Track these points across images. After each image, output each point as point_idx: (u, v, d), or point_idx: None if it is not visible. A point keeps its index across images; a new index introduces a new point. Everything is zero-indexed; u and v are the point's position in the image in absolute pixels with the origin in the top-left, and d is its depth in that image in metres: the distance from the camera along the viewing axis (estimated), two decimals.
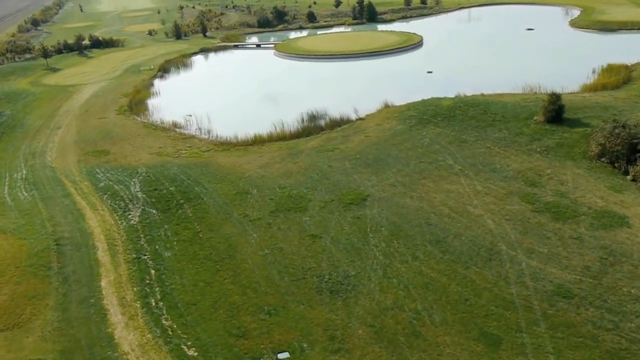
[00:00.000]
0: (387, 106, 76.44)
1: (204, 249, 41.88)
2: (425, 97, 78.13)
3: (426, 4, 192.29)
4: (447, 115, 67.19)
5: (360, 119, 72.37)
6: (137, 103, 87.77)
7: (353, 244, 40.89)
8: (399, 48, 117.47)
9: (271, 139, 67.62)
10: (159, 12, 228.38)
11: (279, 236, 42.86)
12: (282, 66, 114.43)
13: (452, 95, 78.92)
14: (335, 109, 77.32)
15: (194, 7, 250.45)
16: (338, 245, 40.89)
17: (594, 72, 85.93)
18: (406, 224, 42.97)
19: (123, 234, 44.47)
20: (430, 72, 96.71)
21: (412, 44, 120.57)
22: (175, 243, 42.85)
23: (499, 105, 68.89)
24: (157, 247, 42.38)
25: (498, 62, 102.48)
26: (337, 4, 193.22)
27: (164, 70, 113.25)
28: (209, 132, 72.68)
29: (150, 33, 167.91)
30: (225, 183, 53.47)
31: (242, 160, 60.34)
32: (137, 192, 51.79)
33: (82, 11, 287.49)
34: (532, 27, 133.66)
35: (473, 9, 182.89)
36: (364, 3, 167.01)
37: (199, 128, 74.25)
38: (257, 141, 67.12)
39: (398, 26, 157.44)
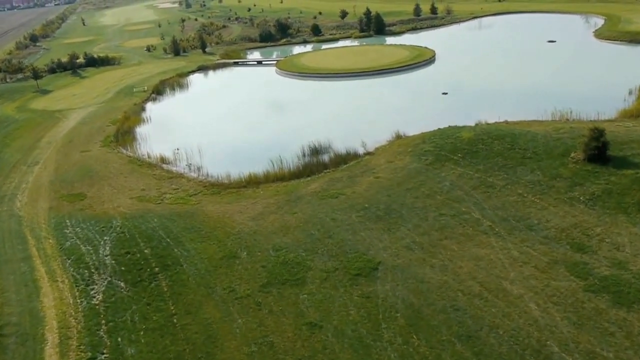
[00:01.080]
0: (399, 137, 68.16)
1: (177, 342, 33.71)
2: (442, 125, 69.85)
3: (437, 13, 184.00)
4: (469, 151, 58.76)
5: (369, 153, 64.14)
6: (124, 132, 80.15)
7: (361, 338, 32.57)
8: (410, 65, 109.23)
9: (268, 179, 59.53)
10: (159, 26, 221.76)
11: (270, 324, 34.61)
12: (283, 86, 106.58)
13: (472, 123, 70.65)
14: (341, 139, 69.30)
15: (196, 20, 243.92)
16: (342, 339, 32.58)
17: (630, 93, 77.12)
18: (427, 308, 34.58)
19: (81, 320, 36.38)
20: (446, 93, 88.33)
21: (424, 60, 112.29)
22: (142, 333, 34.70)
23: (528, 138, 60.35)
24: (119, 339, 34.24)
25: (520, 80, 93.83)
26: (343, 15, 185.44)
27: (157, 91, 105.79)
28: (199, 169, 64.78)
29: (148, 49, 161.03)
30: (211, 242, 45.37)
31: (233, 209, 52.29)
32: (106, 256, 43.78)
33: (84, 25, 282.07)
34: (554, 39, 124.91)
35: (487, 19, 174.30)
36: (372, 14, 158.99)
37: (188, 164, 66.34)
38: (252, 182, 59.06)
39: (408, 39, 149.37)
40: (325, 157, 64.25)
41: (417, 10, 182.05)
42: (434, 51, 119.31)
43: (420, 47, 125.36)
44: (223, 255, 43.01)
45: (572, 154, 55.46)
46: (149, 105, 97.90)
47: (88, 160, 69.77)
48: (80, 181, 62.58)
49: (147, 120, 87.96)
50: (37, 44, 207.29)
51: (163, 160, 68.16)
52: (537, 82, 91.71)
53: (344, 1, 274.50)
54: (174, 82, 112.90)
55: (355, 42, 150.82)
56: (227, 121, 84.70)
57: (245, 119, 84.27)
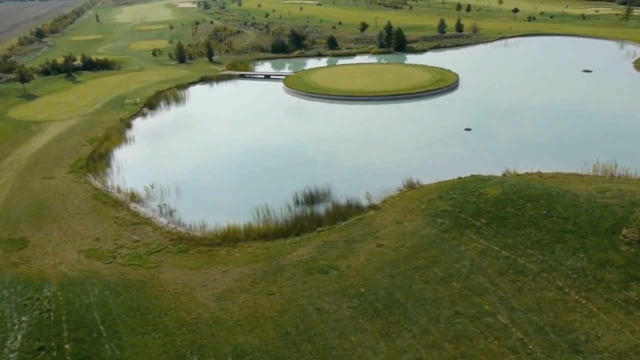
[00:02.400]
0: (411, 186, 57.45)
1: None
2: (463, 172, 59.32)
3: (462, 31, 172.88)
4: (495, 215, 47.88)
5: (374, 207, 53.43)
6: (99, 156, 70.42)
7: None
8: (430, 91, 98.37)
9: (248, 235, 49.06)
10: (171, 28, 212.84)
11: None
12: (287, 107, 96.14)
13: (498, 171, 60.17)
14: (343, 183, 59.03)
15: (211, 22, 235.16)
16: None
17: None
18: None
19: None
20: (469, 129, 77.35)
21: (446, 85, 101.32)
22: None
23: (567, 201, 49.28)
24: None
25: (553, 118, 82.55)
26: (363, 28, 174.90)
27: (149, 105, 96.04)
28: (171, 212, 54.62)
29: (154, 53, 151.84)
30: (156, 335, 35.00)
31: (197, 279, 41.95)
32: (13, 352, 33.56)
33: (98, 21, 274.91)
34: (590, 69, 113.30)
35: (515, 40, 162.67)
36: (393, 29, 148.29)
37: (161, 205, 56.19)
38: (229, 237, 48.65)
39: (430, 58, 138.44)
40: (321, 209, 53.72)
41: (441, 27, 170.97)
42: (458, 75, 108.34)
43: (443, 69, 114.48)
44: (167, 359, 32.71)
45: (624, 231, 44.42)
46: (136, 122, 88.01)
47: (47, 191, 59.88)
48: (27, 221, 52.68)
49: (129, 141, 77.99)
50: (43, 39, 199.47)
51: (133, 197, 58.08)
52: (573, 121, 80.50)
53: (367, 11, 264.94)
54: (171, 95, 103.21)
55: (373, 59, 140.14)
56: (215, 151, 73.76)
57: (236, 150, 73.48)
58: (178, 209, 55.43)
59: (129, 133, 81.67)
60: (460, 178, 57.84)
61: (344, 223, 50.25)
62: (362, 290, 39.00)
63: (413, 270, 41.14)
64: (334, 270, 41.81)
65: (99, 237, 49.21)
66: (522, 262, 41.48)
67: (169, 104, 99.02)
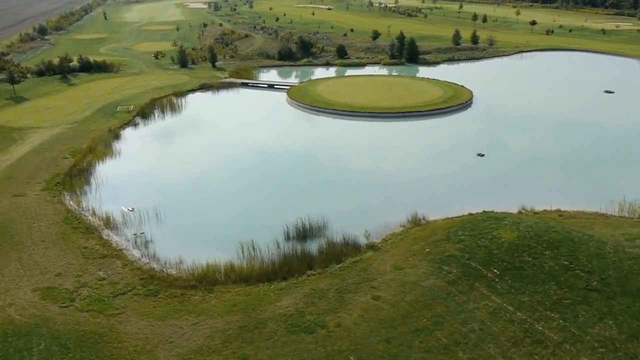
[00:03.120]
0: (416, 222, 51.50)
1: None
2: (475, 205, 53.64)
3: (477, 43, 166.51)
4: (510, 265, 41.88)
5: (372, 246, 47.54)
6: (80, 171, 65.08)
7: None
8: (442, 109, 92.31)
9: (229, 276, 43.31)
10: (178, 29, 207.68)
11: None
12: (288, 122, 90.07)
13: (514, 206, 54.43)
14: (340, 216, 53.20)
15: (220, 25, 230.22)
16: None
17: None
18: None
19: None
20: (482, 155, 71.24)
21: (459, 103, 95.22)
22: None
23: (592, 250, 43.18)
24: None
25: (575, 146, 76.12)
26: (375, 36, 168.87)
27: (142, 114, 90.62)
28: (146, 244, 49.02)
29: (156, 56, 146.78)
30: None
31: (162, 333, 36.23)
32: None
33: (105, 19, 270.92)
34: (612, 90, 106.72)
35: (533, 55, 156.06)
36: (405, 40, 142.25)
37: (136, 234, 50.58)
38: (207, 278, 42.96)
39: (443, 70, 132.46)
40: (314, 246, 47.88)
41: (456, 38, 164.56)
42: (472, 92, 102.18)
43: (456, 84, 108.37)
44: None
45: None
46: (126, 133, 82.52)
47: (14, 211, 54.44)
48: None
49: (114, 155, 72.48)
50: (46, 37, 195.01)
51: (108, 222, 52.53)
52: (597, 151, 74.08)
53: (380, 18, 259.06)
54: (167, 103, 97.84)
55: (384, 70, 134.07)
56: (204, 171, 67.37)
57: (227, 171, 67.27)
58: (155, 238, 49.96)
59: (116, 145, 76.16)
60: (470, 214, 51.94)
61: (337, 266, 44.39)
62: (352, 358, 33.14)
63: (413, 334, 35.23)
64: (321, 329, 35.97)
65: (60, 272, 43.63)
66: (540, 328, 35.48)
67: (163, 113, 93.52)
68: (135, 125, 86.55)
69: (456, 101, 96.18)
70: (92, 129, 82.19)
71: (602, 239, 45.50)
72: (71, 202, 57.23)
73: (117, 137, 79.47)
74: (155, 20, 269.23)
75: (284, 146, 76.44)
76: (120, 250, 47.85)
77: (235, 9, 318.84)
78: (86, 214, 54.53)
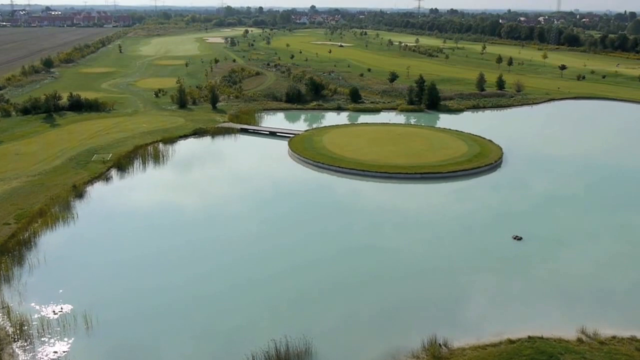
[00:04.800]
0: (433, 352, 37.32)
1: None
2: (515, 327, 40.05)
3: (503, 88, 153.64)
4: None
5: None
6: (17, 243, 52.59)
7: None
8: (467, 170, 78.83)
9: None
10: (186, 65, 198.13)
11: None
12: (284, 181, 76.26)
13: (570, 327, 40.20)
14: (329, 333, 39.58)
15: (234, 61, 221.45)
16: None
17: None
18: None
19: None
20: (519, 238, 57.06)
21: (488, 164, 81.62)
22: None
23: None
24: None
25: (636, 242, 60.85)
26: (393, 79, 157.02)
27: (119, 165, 78.58)
28: None
29: (157, 94, 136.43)
30: None
31: None
32: None
33: (120, 52, 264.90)
34: None
35: (566, 103, 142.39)
36: (425, 84, 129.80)
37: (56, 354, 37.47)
38: None
39: (467, 119, 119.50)
40: None
41: (480, 82, 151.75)
42: (501, 149, 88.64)
43: (483, 138, 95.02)
44: None
45: None
46: (93, 190, 70.09)
47: None
48: None
49: (69, 222, 59.82)
50: (51, 70, 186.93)
51: (22, 330, 39.50)
52: None
53: (400, 58, 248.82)
54: (151, 152, 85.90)
55: (401, 117, 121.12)
56: (162, 258, 52.76)
57: (190, 258, 52.84)
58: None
59: (75, 208, 63.56)
60: (510, 342, 37.88)
61: None
62: None
63: None
64: None
65: None
66: None
67: (144, 164, 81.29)
68: (107, 179, 74.22)
69: (483, 160, 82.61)
70: (56, 183, 70.17)
71: None
72: None
73: (80, 195, 67.01)
74: (169, 54, 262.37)
75: (273, 217, 62.46)
76: None
77: (253, 44, 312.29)
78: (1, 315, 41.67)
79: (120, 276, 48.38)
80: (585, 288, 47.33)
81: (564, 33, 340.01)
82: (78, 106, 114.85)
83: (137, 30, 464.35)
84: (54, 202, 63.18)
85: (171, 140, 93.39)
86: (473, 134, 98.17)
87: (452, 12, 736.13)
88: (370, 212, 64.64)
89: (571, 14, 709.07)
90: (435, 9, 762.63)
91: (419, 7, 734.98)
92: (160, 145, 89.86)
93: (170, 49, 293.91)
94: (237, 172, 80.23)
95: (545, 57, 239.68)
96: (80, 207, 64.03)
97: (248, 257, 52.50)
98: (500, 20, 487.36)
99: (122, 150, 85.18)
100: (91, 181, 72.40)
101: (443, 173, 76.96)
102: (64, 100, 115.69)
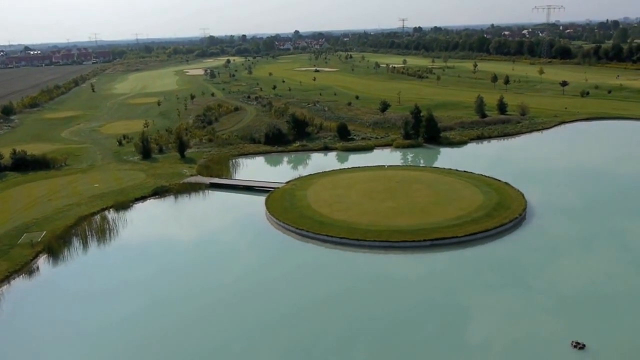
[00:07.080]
0: None
1: None
2: None
3: (506, 111, 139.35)
4: None
5: None
6: None
7: None
8: (489, 231, 63.13)
9: None
10: (159, 104, 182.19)
11: None
12: (261, 257, 60.61)
13: None
14: None
15: (212, 95, 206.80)
16: None
17: None
18: None
19: None
20: (581, 346, 41.11)
21: (512, 219, 66.03)
22: None
23: None
24: None
25: None
26: (384, 108, 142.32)
27: (51, 249, 62.28)
28: None
29: (120, 142, 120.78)
30: None
31: None
32: None
33: (93, 91, 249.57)
34: None
35: (578, 126, 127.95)
36: (422, 115, 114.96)
37: None
38: None
39: (473, 154, 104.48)
40: None
41: (480, 106, 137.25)
42: (522, 195, 73.33)
43: (498, 180, 79.82)
44: None
45: None
46: (9, 292, 53.93)
47: None
48: None
49: None
50: (11, 117, 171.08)
51: None
52: None
53: (388, 81, 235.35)
54: (97, 224, 69.95)
55: (397, 155, 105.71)
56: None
57: None
58: None
59: None
60: None
61: None
62: None
63: None
64: None
65: None
66: None
67: (85, 243, 65.10)
68: (30, 273, 57.77)
69: (505, 213, 67.14)
70: None
71: None
72: None
73: None
74: (145, 90, 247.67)
75: (238, 320, 47.05)
76: None
77: (234, 75, 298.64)
78: None
79: None
80: None
81: (555, 46, 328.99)
82: (24, 164, 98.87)
83: (116, 66, 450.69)
84: None
85: (124, 205, 77.31)
86: (485, 176, 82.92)
87: (436, 29, 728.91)
88: (368, 303, 48.69)
89: (554, 25, 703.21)
90: (420, 27, 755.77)
91: (403, 27, 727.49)
92: (111, 214, 73.97)
93: (147, 84, 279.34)
94: (200, 248, 64.11)
95: (541, 72, 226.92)
96: None
97: None
98: (486, 35, 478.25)
99: (61, 224, 69.11)
100: (6, 278, 56.02)
101: (459, 237, 61.22)
102: (6, 158, 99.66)
